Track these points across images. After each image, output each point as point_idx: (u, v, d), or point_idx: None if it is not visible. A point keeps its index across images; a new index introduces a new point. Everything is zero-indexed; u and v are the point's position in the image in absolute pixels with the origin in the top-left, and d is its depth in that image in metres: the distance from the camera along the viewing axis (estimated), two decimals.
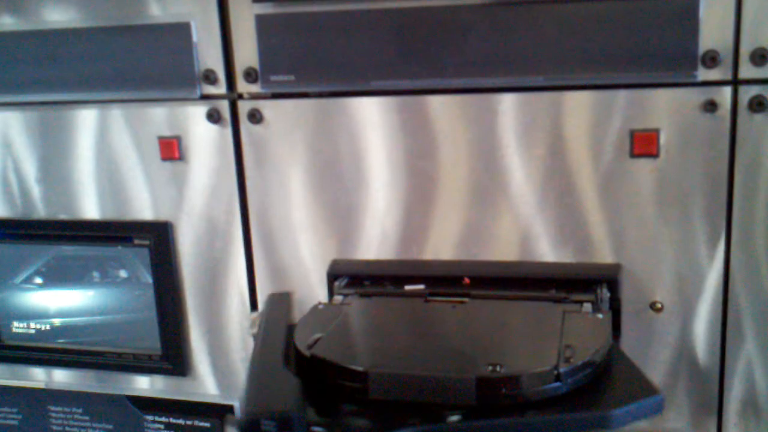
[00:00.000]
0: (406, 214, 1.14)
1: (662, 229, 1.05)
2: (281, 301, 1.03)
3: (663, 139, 1.03)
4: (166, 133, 1.21)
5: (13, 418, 1.42)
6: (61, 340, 1.35)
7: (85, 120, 1.24)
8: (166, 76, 1.18)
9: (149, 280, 1.28)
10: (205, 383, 1.30)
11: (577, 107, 1.05)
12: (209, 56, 1.16)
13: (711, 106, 1.00)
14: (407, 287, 1.12)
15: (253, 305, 1.24)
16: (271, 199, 1.19)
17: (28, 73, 1.24)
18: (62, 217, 1.29)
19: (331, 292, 1.17)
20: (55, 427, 1.39)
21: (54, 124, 1.26)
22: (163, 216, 1.24)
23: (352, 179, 1.15)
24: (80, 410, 1.37)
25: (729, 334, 1.07)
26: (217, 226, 1.22)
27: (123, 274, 1.30)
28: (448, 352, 0.93)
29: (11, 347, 1.38)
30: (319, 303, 1.10)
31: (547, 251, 1.10)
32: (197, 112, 1.19)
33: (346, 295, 1.12)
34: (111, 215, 1.27)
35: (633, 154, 1.04)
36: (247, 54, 1.15)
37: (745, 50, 0.98)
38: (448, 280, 1.12)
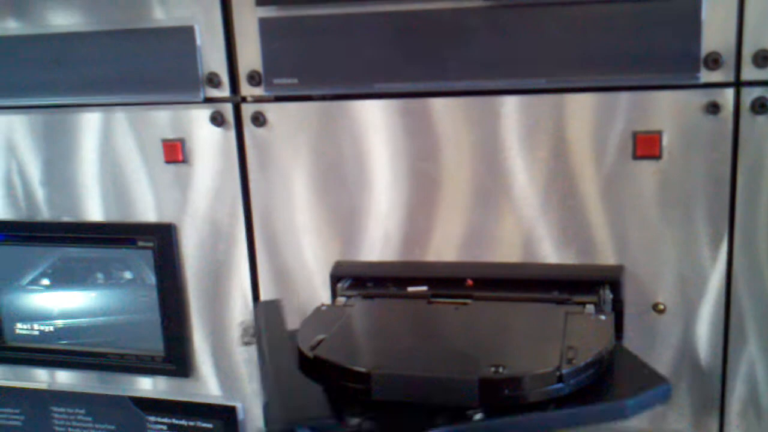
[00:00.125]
0: (409, 215, 1.14)
1: (665, 231, 1.05)
2: (274, 308, 1.02)
3: (666, 141, 1.03)
4: (170, 135, 1.22)
5: (16, 419, 1.42)
6: (65, 342, 1.35)
7: (90, 123, 1.25)
8: (170, 80, 1.19)
9: (133, 284, 1.29)
10: (208, 384, 1.30)
11: (580, 109, 1.05)
12: (213, 59, 1.17)
13: (713, 108, 1.00)
14: (410, 289, 1.12)
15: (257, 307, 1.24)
16: (275, 202, 1.19)
17: (32, 76, 1.25)
18: (66, 219, 1.30)
19: (334, 294, 1.17)
20: (57, 428, 1.39)
21: (58, 127, 1.27)
22: (166, 218, 1.25)
23: (355, 181, 1.15)
24: (83, 411, 1.37)
25: (731, 335, 1.07)
26: (221, 229, 1.23)
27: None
28: (451, 353, 0.93)
29: (14, 348, 1.38)
30: (322, 304, 1.10)
31: (550, 253, 1.10)
32: (201, 115, 1.19)
33: (349, 297, 1.12)
34: (115, 217, 1.27)
35: (636, 156, 1.04)
36: (250, 57, 1.15)
37: (747, 52, 0.98)
38: (450, 282, 1.12)
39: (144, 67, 1.19)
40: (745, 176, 1.02)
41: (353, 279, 1.17)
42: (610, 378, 0.88)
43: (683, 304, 1.07)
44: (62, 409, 1.38)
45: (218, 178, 1.21)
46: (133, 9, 1.18)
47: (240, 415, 1.28)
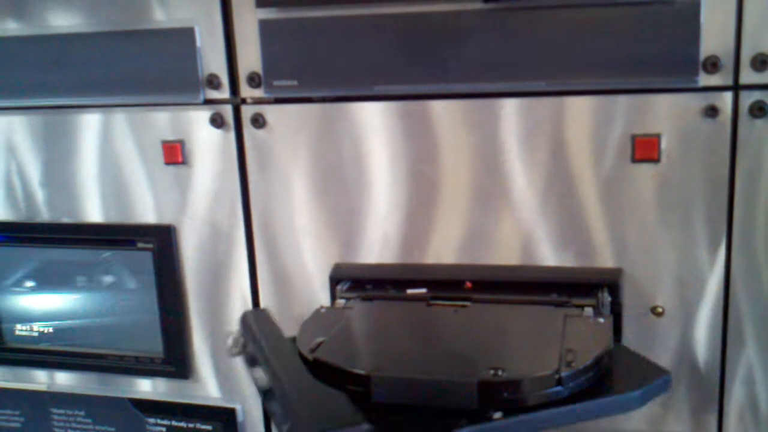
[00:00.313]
0: (408, 218, 1.14)
1: (663, 234, 1.06)
2: (264, 316, 1.02)
3: (664, 144, 1.03)
4: (170, 137, 1.22)
5: (16, 421, 1.42)
6: (60, 343, 1.35)
7: (89, 124, 1.25)
8: (170, 81, 1.19)
9: (133, 285, 1.29)
10: (207, 386, 1.30)
11: (579, 112, 1.06)
12: (213, 61, 1.17)
13: (712, 112, 1.01)
14: (409, 291, 1.12)
15: (256, 309, 1.24)
16: (274, 203, 1.19)
17: (32, 77, 1.25)
18: (66, 220, 1.30)
19: (333, 296, 1.17)
20: (57, 430, 1.40)
21: (58, 128, 1.27)
22: (166, 220, 1.25)
23: (354, 183, 1.15)
24: (82, 413, 1.37)
25: (729, 338, 1.07)
26: (220, 230, 1.23)
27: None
28: (450, 355, 0.93)
29: (14, 350, 1.39)
30: (322, 307, 1.10)
31: (549, 255, 1.10)
32: (201, 117, 1.19)
33: (348, 299, 1.12)
34: (115, 219, 1.27)
35: (634, 159, 1.05)
36: (250, 59, 1.15)
37: (746, 56, 0.99)
38: (450, 284, 1.12)
39: (144, 68, 1.19)
40: (743, 179, 1.02)
41: (352, 281, 1.17)
42: (609, 378, 0.89)
43: (682, 307, 1.07)
44: (62, 411, 1.39)
45: (218, 179, 1.21)
46: (133, 10, 1.18)
47: (239, 417, 1.29)
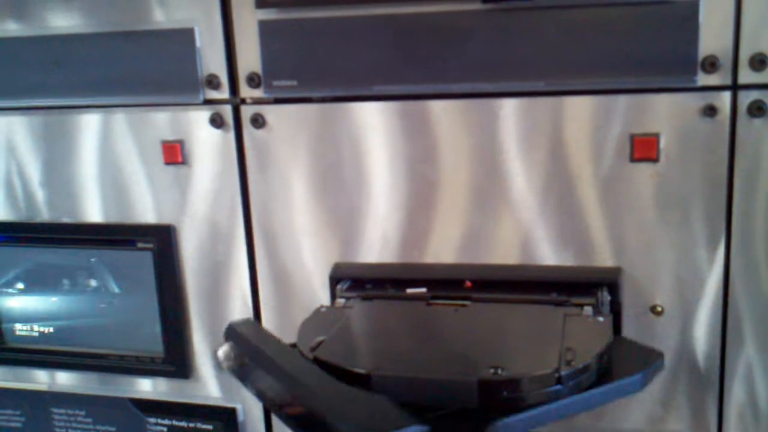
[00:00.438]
0: (407, 217, 1.15)
1: (662, 233, 1.06)
2: (254, 326, 1.01)
3: (663, 143, 1.03)
4: (170, 137, 1.22)
5: (17, 420, 1.42)
6: (62, 343, 1.36)
7: (89, 124, 1.25)
8: (170, 81, 1.19)
9: (133, 285, 1.29)
10: (208, 386, 1.30)
11: (578, 112, 1.06)
12: (212, 61, 1.17)
13: (710, 111, 1.01)
14: (409, 290, 1.12)
15: (256, 308, 1.25)
16: (274, 203, 1.19)
17: (32, 78, 1.25)
18: (66, 220, 1.30)
19: (333, 296, 1.17)
20: (57, 430, 1.40)
21: (58, 128, 1.27)
22: (166, 219, 1.25)
23: (354, 183, 1.15)
24: (83, 412, 1.38)
25: (729, 337, 1.07)
26: (220, 230, 1.23)
27: (93, 283, 1.32)
28: (450, 354, 0.93)
29: (14, 350, 1.39)
30: (322, 306, 1.10)
31: (548, 255, 1.11)
32: (200, 117, 1.20)
33: (348, 298, 1.12)
34: (114, 219, 1.27)
35: (633, 159, 1.05)
36: (250, 59, 1.15)
37: (744, 55, 0.99)
38: (449, 284, 1.12)
39: (144, 68, 1.19)
40: (742, 179, 1.02)
41: (352, 280, 1.17)
42: (609, 372, 0.90)
43: (681, 306, 1.08)
44: (62, 411, 1.39)
45: (217, 179, 1.21)
46: (133, 11, 1.18)
47: (240, 417, 1.29)
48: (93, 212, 1.28)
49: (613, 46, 1.02)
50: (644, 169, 1.05)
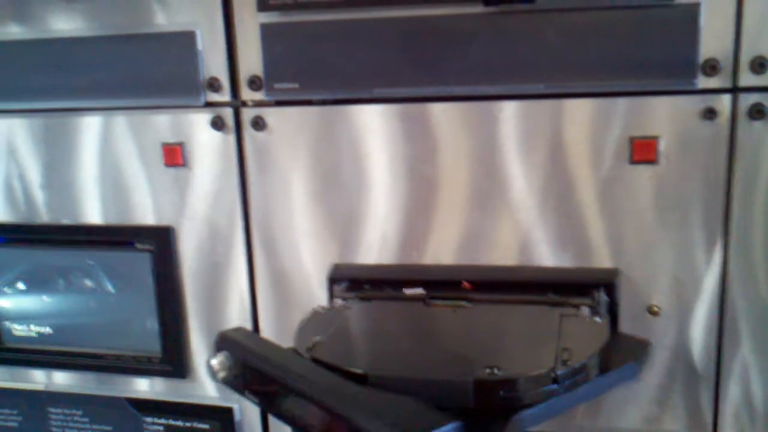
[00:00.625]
0: (406, 219, 1.15)
1: (660, 235, 1.06)
2: (248, 332, 1.00)
3: (662, 146, 1.03)
4: (170, 139, 1.22)
5: (13, 420, 1.42)
6: (60, 343, 1.36)
7: (90, 127, 1.25)
8: (171, 84, 1.19)
9: (132, 286, 1.29)
10: (205, 385, 1.30)
11: (578, 114, 1.06)
12: (214, 64, 1.17)
13: (710, 114, 1.01)
14: (407, 291, 1.12)
15: (254, 309, 1.25)
16: (273, 205, 1.19)
17: (34, 80, 1.25)
18: (66, 222, 1.30)
19: (331, 296, 1.17)
20: (54, 429, 1.40)
21: (59, 130, 1.27)
22: (165, 221, 1.25)
23: (353, 185, 1.15)
24: (80, 412, 1.37)
25: (725, 337, 1.07)
26: (219, 231, 1.23)
27: (91, 284, 1.32)
28: (447, 355, 0.93)
29: (11, 350, 1.39)
30: (320, 306, 1.10)
31: (547, 256, 1.11)
32: (201, 119, 1.20)
33: (346, 299, 1.12)
34: (114, 220, 1.28)
35: (632, 161, 1.05)
36: (251, 62, 1.16)
37: (744, 58, 0.99)
38: (447, 285, 1.12)
39: (145, 71, 1.20)
40: (741, 181, 1.02)
41: (350, 281, 1.17)
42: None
43: (678, 307, 1.08)
44: (59, 410, 1.39)
45: (217, 181, 1.21)
46: (134, 14, 1.19)
47: (236, 416, 1.28)
48: (93, 214, 1.29)
49: (614, 48, 1.02)
50: (643, 172, 1.05)
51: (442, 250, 1.14)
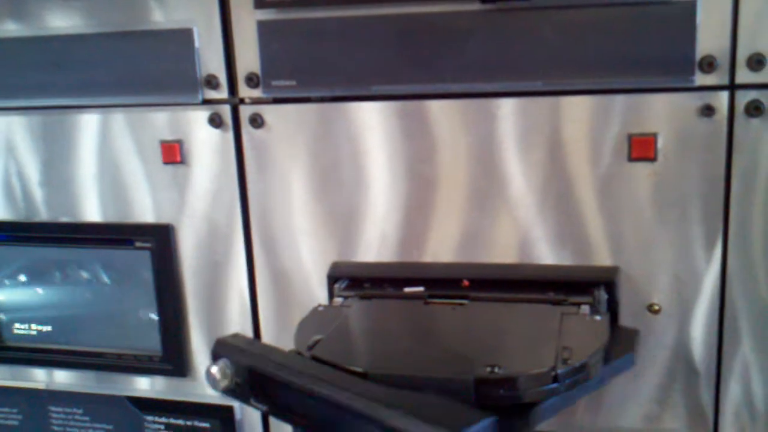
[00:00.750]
0: (405, 217, 1.15)
1: (660, 232, 1.06)
2: (247, 338, 0.98)
3: (660, 143, 1.03)
4: (168, 137, 1.22)
5: (14, 419, 1.42)
6: (60, 342, 1.36)
7: (88, 124, 1.25)
8: (169, 81, 1.19)
9: (131, 284, 1.29)
10: (205, 384, 1.28)
11: (576, 112, 1.06)
12: (211, 61, 1.17)
13: (708, 111, 1.01)
14: (407, 289, 1.12)
15: (254, 307, 1.25)
16: (272, 203, 1.20)
17: (31, 78, 1.25)
18: (64, 219, 1.30)
19: (331, 295, 1.17)
20: (55, 428, 1.40)
21: (57, 128, 1.27)
22: (164, 219, 1.25)
23: (352, 183, 1.15)
24: (80, 411, 1.38)
25: (725, 335, 1.07)
26: (219, 229, 1.23)
27: (91, 282, 1.32)
28: (447, 353, 0.93)
29: (12, 348, 1.39)
30: (319, 305, 1.11)
31: (546, 254, 1.11)
32: (199, 117, 1.20)
33: (346, 297, 1.12)
34: (113, 218, 1.28)
35: (631, 158, 1.05)
36: (248, 59, 1.15)
37: (741, 55, 0.99)
38: (447, 283, 1.12)
39: (143, 68, 1.19)
40: (740, 178, 1.02)
41: (350, 280, 1.17)
42: None
43: (678, 305, 1.08)
44: (60, 409, 1.39)
45: (216, 179, 1.21)
46: (132, 11, 1.18)
47: (237, 415, 1.29)
48: (92, 212, 1.28)
49: (611, 46, 1.02)
50: (642, 169, 1.05)
51: (441, 248, 1.14)
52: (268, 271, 1.23)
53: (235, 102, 1.18)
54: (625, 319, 1.09)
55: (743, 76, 1.00)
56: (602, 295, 1.05)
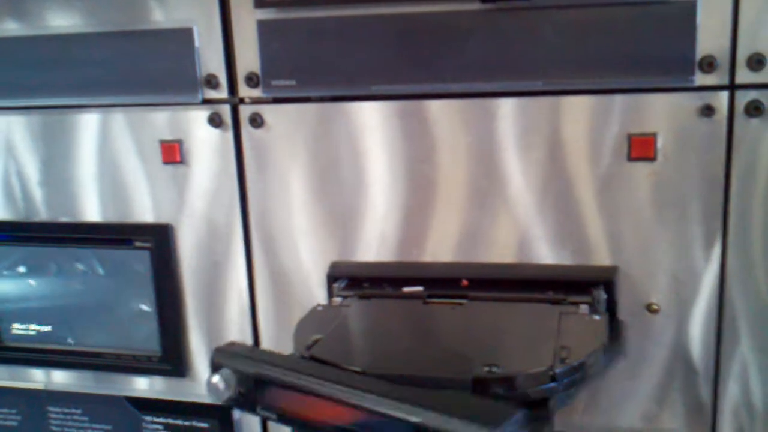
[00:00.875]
0: (405, 216, 1.15)
1: (659, 232, 1.06)
2: (243, 347, 0.96)
3: (660, 143, 1.03)
4: (168, 136, 1.22)
5: (13, 419, 1.42)
6: (59, 342, 1.36)
7: (88, 124, 1.25)
8: (169, 81, 1.19)
9: (130, 284, 1.29)
10: (204, 384, 1.29)
11: (576, 111, 1.06)
12: (211, 61, 1.17)
13: (708, 111, 1.01)
14: (406, 289, 1.12)
15: (253, 307, 1.25)
16: (272, 202, 1.19)
17: (31, 77, 1.25)
18: (64, 219, 1.30)
19: (330, 294, 1.17)
20: (54, 428, 1.40)
21: (57, 127, 1.27)
22: (164, 219, 1.25)
23: (352, 182, 1.15)
24: (79, 411, 1.38)
25: (724, 335, 1.07)
26: (218, 229, 1.23)
27: (90, 282, 1.32)
28: (446, 353, 0.93)
29: (10, 348, 1.39)
30: (318, 305, 1.11)
31: (545, 254, 1.11)
32: (199, 117, 1.20)
33: (345, 297, 1.12)
34: (112, 218, 1.28)
35: (630, 158, 1.05)
36: (248, 59, 1.15)
37: (741, 55, 0.99)
38: (446, 282, 1.12)
39: (142, 68, 1.19)
40: (739, 178, 1.02)
41: (349, 279, 1.17)
42: None
43: (677, 305, 1.08)
44: (58, 409, 1.39)
45: (216, 179, 1.21)
46: (131, 10, 1.18)
47: (235, 415, 1.29)
48: (91, 211, 1.28)
49: (611, 45, 1.02)
50: (641, 169, 1.05)
51: (440, 248, 1.14)
52: (268, 271, 1.22)
53: (235, 102, 1.18)
54: (624, 319, 1.09)
55: (743, 76, 1.00)
56: (601, 294, 1.06)
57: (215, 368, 0.91)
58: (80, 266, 1.31)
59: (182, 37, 1.17)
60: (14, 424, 1.42)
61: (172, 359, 1.29)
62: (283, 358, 0.92)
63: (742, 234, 1.04)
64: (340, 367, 0.87)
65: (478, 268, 1.12)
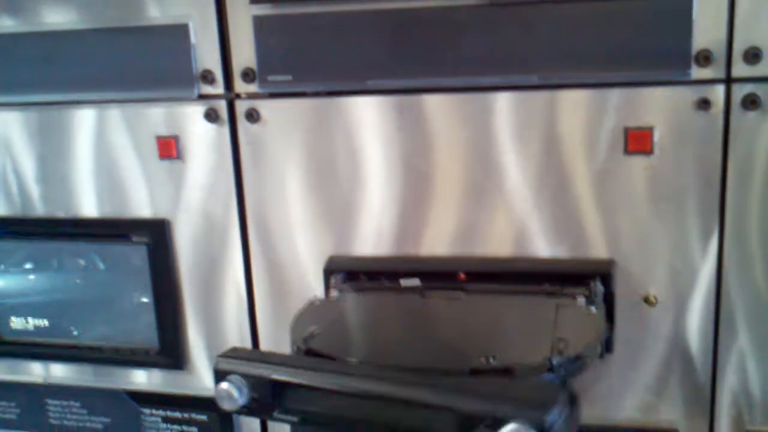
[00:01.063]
0: (402, 210, 1.15)
1: (656, 225, 1.06)
2: (248, 352, 0.94)
3: (657, 136, 1.04)
4: (164, 132, 1.22)
5: (12, 412, 1.42)
6: (58, 336, 1.36)
7: (84, 120, 1.25)
8: (165, 77, 1.19)
9: (128, 278, 1.29)
10: (202, 377, 1.30)
11: (572, 105, 1.06)
12: (207, 57, 1.17)
13: (704, 104, 1.01)
14: (403, 282, 1.12)
15: (250, 301, 1.25)
16: (268, 197, 1.20)
17: (27, 73, 1.25)
18: (61, 215, 1.30)
19: (327, 288, 1.17)
20: (53, 421, 1.40)
21: (53, 123, 1.27)
22: (161, 214, 1.25)
23: (348, 177, 1.16)
24: (78, 404, 1.38)
25: (722, 327, 1.07)
26: (215, 224, 1.23)
27: (88, 277, 1.33)
28: (443, 345, 0.94)
29: (9, 342, 1.39)
30: (316, 298, 1.11)
31: (542, 247, 1.11)
32: (195, 112, 1.20)
33: (342, 291, 1.12)
34: (109, 213, 1.28)
35: (627, 152, 1.05)
36: (244, 54, 1.16)
37: (738, 49, 0.99)
38: (443, 276, 1.12)
39: (139, 64, 1.19)
40: (736, 171, 1.02)
41: (346, 273, 1.17)
42: None
43: (674, 297, 1.08)
44: (57, 402, 1.39)
45: (212, 174, 1.21)
46: (128, 6, 1.18)
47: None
48: (88, 207, 1.28)
49: (607, 39, 1.02)
50: (638, 162, 1.05)
51: (437, 242, 1.14)
52: (265, 266, 1.23)
53: (231, 97, 1.18)
54: (622, 311, 1.09)
55: (739, 69, 1.00)
56: (598, 287, 1.06)
57: (221, 376, 0.87)
58: (78, 261, 1.32)
59: (178, 33, 1.17)
60: (13, 417, 1.42)
61: (171, 352, 1.29)
62: (301, 359, 0.89)
63: (739, 226, 1.04)
64: (336, 359, 0.87)
65: (476, 262, 1.13)
